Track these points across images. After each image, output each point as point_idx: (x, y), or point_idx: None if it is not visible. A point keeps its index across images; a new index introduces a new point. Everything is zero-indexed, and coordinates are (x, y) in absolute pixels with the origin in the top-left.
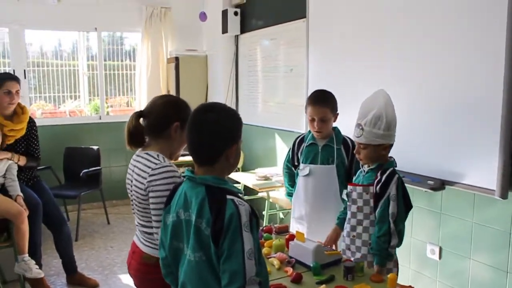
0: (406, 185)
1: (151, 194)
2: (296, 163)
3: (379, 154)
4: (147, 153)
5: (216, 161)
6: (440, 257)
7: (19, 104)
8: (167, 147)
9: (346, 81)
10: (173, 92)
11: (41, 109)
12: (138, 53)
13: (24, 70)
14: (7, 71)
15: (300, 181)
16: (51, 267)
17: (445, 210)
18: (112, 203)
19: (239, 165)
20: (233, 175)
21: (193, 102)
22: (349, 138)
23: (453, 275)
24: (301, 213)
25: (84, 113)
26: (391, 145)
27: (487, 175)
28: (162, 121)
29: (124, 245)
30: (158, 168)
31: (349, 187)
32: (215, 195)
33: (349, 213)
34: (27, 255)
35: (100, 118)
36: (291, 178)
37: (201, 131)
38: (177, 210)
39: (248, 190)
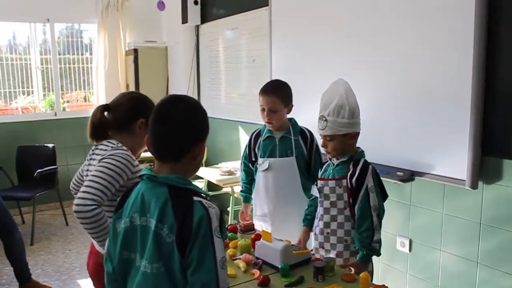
0: None
1: (95, 168)
2: (253, 159)
3: (347, 144)
4: (108, 141)
5: (181, 157)
6: (410, 250)
7: None
8: (128, 142)
9: (310, 72)
10: (132, 86)
11: None
12: (94, 46)
13: None
14: None
15: (259, 177)
16: (3, 275)
17: (414, 202)
18: (71, 202)
19: (203, 160)
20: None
21: (154, 95)
22: (306, 129)
23: (423, 267)
24: (264, 210)
25: (38, 109)
26: (358, 134)
27: (457, 165)
28: (127, 115)
29: (83, 248)
30: (115, 149)
31: (320, 182)
32: (180, 197)
33: (321, 209)
34: None
35: (56, 115)
36: (248, 175)
37: (170, 122)
38: (132, 214)
39: (211, 185)
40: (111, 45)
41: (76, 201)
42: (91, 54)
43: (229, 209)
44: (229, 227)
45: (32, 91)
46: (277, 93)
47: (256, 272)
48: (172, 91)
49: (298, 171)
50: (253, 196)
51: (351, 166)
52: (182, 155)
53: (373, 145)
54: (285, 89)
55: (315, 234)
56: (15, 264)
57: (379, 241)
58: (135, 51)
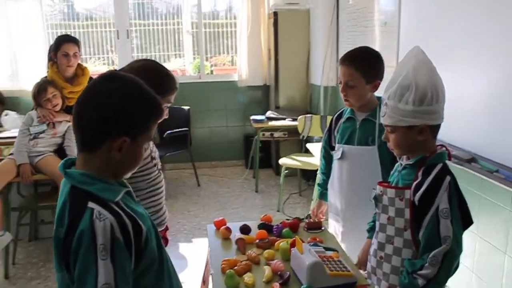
0: (496, 183)
1: None
2: (334, 144)
3: (414, 140)
4: None
5: (96, 148)
6: None
7: (80, 65)
8: None
9: (442, 39)
10: (272, 51)
11: None
12: (238, 9)
13: (127, 30)
14: (110, 31)
15: (334, 166)
16: None
17: None
18: (211, 164)
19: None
20: (313, 146)
21: (293, 61)
22: None
23: None
24: (337, 207)
25: (187, 72)
26: (433, 128)
27: None
28: None
29: (202, 211)
30: None
31: (379, 188)
32: (76, 200)
33: (377, 224)
34: None
35: (200, 78)
36: (328, 164)
37: (85, 103)
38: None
39: None
40: (254, 8)
41: None
42: (233, 18)
43: None
44: (291, 221)
45: (183, 55)
46: (357, 64)
47: (276, 287)
48: (313, 57)
49: (380, 164)
50: (328, 188)
51: (420, 173)
52: (95, 146)
53: (499, 138)
54: (369, 61)
55: (369, 254)
56: None
57: (427, 279)
58: (275, 14)
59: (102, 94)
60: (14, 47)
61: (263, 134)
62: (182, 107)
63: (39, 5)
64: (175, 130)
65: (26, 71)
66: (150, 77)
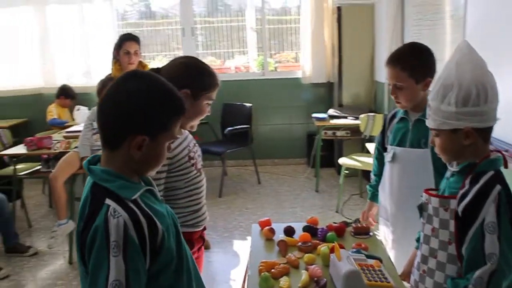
0: None
1: None
2: (387, 145)
3: (460, 145)
4: None
5: (117, 145)
6: None
7: (141, 63)
8: None
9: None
10: (336, 47)
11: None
12: (302, 4)
13: (192, 28)
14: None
15: (386, 168)
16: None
17: None
18: (273, 161)
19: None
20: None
21: (357, 57)
22: None
23: None
24: (387, 210)
25: (251, 69)
26: (483, 131)
27: None
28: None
29: (260, 208)
30: None
31: (424, 196)
32: (96, 196)
33: (422, 235)
34: None
35: (264, 75)
36: (380, 165)
37: (107, 100)
38: None
39: None
40: (318, 3)
41: None
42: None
43: None
44: (336, 225)
45: (247, 51)
46: (403, 64)
47: None
48: (377, 53)
49: (433, 168)
50: (379, 190)
51: (467, 181)
52: (117, 143)
53: None
54: (416, 59)
55: (413, 266)
56: None
57: None
58: (339, 9)
59: (122, 93)
60: (89, 45)
61: (325, 133)
62: (244, 104)
63: (111, 5)
64: (236, 127)
65: (98, 69)
66: (191, 74)
